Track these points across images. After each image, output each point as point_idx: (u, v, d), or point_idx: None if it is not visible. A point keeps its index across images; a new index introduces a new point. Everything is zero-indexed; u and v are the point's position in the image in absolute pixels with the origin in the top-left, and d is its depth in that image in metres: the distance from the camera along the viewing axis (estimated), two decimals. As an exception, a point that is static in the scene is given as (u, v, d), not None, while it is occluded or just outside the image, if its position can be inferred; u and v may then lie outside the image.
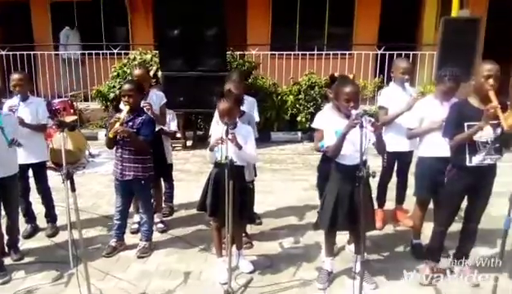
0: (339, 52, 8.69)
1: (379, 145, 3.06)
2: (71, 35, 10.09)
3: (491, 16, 10.02)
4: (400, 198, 4.42)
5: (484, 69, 2.89)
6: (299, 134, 8.01)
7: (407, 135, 3.72)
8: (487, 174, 3.09)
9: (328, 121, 3.27)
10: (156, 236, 4.05)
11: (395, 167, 4.29)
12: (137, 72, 4.09)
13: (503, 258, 2.74)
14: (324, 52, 8.81)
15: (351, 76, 3.95)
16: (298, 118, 7.92)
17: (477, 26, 6.54)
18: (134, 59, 7.80)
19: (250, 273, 3.45)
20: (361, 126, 2.68)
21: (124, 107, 3.53)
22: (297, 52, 8.86)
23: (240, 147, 3.12)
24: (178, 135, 7.25)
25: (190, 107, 6.59)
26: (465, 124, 2.96)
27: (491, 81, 2.85)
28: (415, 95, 3.84)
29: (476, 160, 3.00)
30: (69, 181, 2.69)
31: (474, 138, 2.94)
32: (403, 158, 4.18)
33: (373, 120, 2.99)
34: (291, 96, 8.03)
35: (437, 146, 3.35)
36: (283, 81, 8.56)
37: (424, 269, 3.39)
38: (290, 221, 4.49)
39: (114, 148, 3.65)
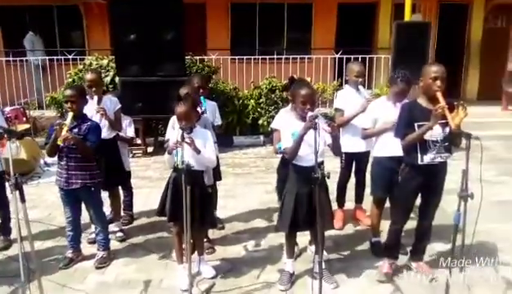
0: (298, 56, 8.82)
1: (335, 147, 3.11)
2: (35, 41, 9.75)
3: (442, 21, 10.51)
4: (359, 198, 4.53)
5: (431, 71, 3.00)
6: (261, 137, 8.06)
7: (362, 135, 3.82)
8: (438, 172, 3.21)
9: (285, 123, 3.31)
10: (115, 245, 3.96)
11: (353, 168, 4.39)
12: (89, 76, 3.98)
13: (455, 252, 2.85)
14: (283, 56, 8.92)
15: (308, 79, 4.03)
16: (260, 122, 7.97)
17: (427, 30, 6.83)
18: (90, 64, 7.59)
19: (212, 278, 3.43)
20: (315, 128, 2.73)
21: (68, 113, 3.42)
22: (257, 57, 8.93)
23: (198, 151, 3.10)
24: (138, 141, 7.15)
25: (149, 113, 6.44)
26: (416, 124, 3.06)
27: (438, 82, 2.96)
28: (369, 97, 3.95)
29: (427, 158, 3.11)
30: (18, 191, 2.57)
31: (425, 137, 3.05)
32: (360, 159, 4.29)
33: (330, 121, 3.05)
34: (252, 100, 8.07)
35: (391, 146, 3.45)
36: (244, 85, 8.60)
37: (382, 266, 3.48)
38: (253, 225, 4.50)
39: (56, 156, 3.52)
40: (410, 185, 3.24)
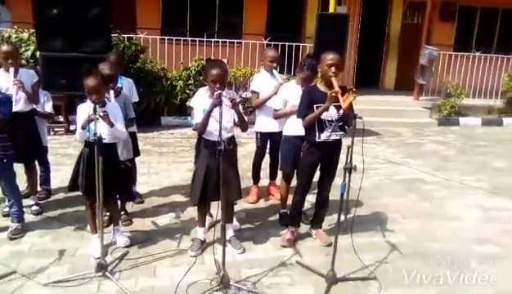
0: (227, 40, 9.01)
1: (242, 123, 3.37)
2: (3, 12, 9.07)
3: (365, 14, 11.18)
4: (272, 175, 4.88)
5: (327, 59, 3.36)
6: (189, 118, 8.16)
7: (273, 115, 4.15)
8: (333, 148, 3.60)
9: (199, 101, 3.53)
10: (31, 218, 3.99)
11: (268, 147, 4.72)
12: (5, 48, 3.91)
13: (340, 219, 3.25)
14: (213, 39, 9.07)
15: (225, 60, 4.26)
16: (188, 103, 8.09)
17: (345, 22, 7.31)
18: (9, 37, 7.26)
19: (127, 247, 3.59)
20: (220, 105, 2.98)
21: None
22: (187, 38, 9.00)
23: (111, 124, 3.23)
24: (61, 118, 7.02)
25: (72, 89, 6.30)
26: (314, 106, 3.42)
27: (333, 69, 3.32)
28: (281, 81, 4.29)
29: (324, 136, 3.49)
30: None
31: (322, 117, 3.42)
32: (274, 138, 4.59)
33: (235, 98, 3.31)
34: (181, 81, 8.18)
35: (298, 126, 3.79)
36: (173, 66, 8.66)
37: (286, 233, 3.84)
38: (172, 199, 4.70)
39: None
40: (310, 160, 3.62)
